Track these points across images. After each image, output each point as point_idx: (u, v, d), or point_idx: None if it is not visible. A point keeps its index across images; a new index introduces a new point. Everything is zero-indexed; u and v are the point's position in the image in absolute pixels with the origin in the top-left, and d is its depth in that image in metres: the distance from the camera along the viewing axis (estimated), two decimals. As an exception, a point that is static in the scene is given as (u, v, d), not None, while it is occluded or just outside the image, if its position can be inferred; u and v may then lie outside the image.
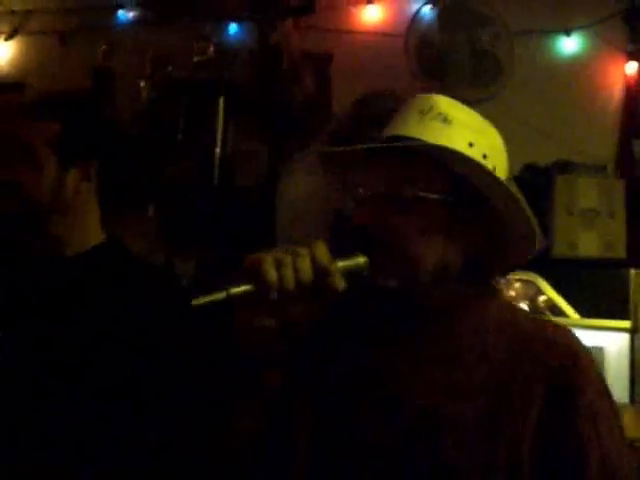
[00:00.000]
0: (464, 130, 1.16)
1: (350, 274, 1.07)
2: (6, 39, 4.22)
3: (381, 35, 3.66)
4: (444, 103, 1.19)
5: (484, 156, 1.16)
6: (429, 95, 1.22)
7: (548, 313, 3.24)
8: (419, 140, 1.14)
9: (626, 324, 3.19)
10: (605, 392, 1.17)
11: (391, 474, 1.11)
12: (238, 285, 1.01)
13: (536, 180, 3.37)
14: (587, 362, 1.17)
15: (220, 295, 0.99)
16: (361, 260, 1.10)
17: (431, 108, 1.18)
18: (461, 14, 3.39)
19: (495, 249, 1.20)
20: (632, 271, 3.20)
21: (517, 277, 3.20)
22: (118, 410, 1.54)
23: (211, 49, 3.66)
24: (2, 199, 1.60)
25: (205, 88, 3.57)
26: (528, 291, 3.25)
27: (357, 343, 1.21)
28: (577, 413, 1.11)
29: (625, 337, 3.23)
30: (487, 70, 3.34)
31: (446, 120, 1.16)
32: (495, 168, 1.17)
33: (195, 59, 3.66)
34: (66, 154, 1.63)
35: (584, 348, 1.19)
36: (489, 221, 1.17)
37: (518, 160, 3.45)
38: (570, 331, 1.21)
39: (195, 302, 0.99)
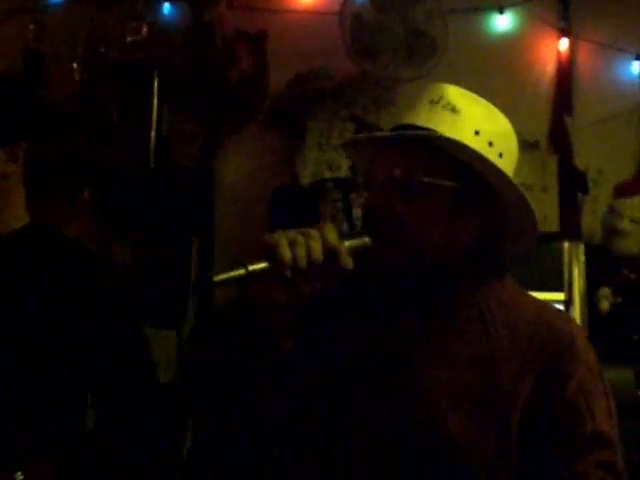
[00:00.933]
0: (471, 119, 1.24)
1: (356, 253, 1.16)
2: None
3: (316, 14, 3.65)
4: (453, 93, 1.27)
5: (490, 144, 1.24)
6: (440, 85, 1.30)
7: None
8: (428, 129, 1.22)
9: (560, 296, 3.25)
10: (598, 376, 1.25)
11: (393, 435, 1.19)
12: (256, 263, 1.09)
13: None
14: (583, 347, 1.25)
15: (240, 272, 1.07)
16: (366, 240, 1.19)
17: (441, 98, 1.26)
18: (394, -8, 3.39)
19: (501, 233, 1.27)
20: (565, 244, 3.26)
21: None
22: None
23: (145, 29, 3.59)
24: None
25: (139, 69, 3.51)
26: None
27: (363, 318, 1.30)
28: (570, 391, 1.20)
29: (560, 309, 3.30)
30: (421, 49, 3.35)
31: (454, 110, 1.24)
32: (502, 154, 1.25)
33: (129, 39, 3.60)
34: None
35: (582, 334, 1.29)
36: (494, 206, 1.24)
37: (453, 137, 3.49)
38: (570, 317, 1.33)
39: (216, 278, 1.06)
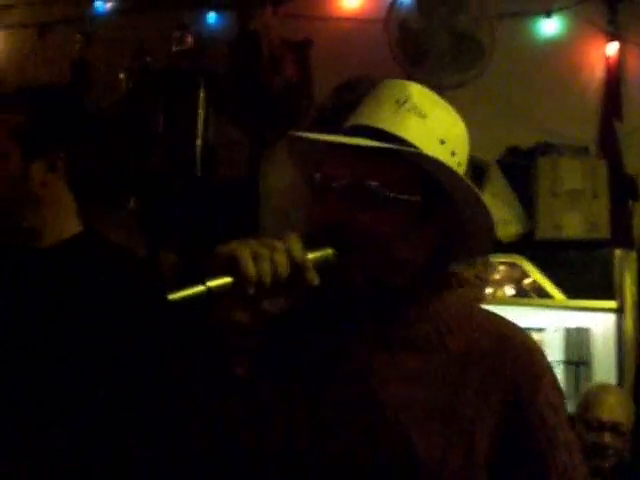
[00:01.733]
0: (438, 126, 1.16)
1: (319, 267, 1.06)
2: (-17, 33, 4.19)
3: (360, 21, 3.64)
4: (420, 94, 1.17)
5: (452, 153, 1.16)
6: (404, 83, 1.19)
7: (534, 295, 3.24)
8: (394, 135, 1.12)
9: (612, 304, 3.20)
10: (557, 385, 1.20)
11: (356, 453, 1.11)
12: (216, 278, 0.97)
13: (519, 163, 3.37)
14: (541, 357, 1.20)
15: (199, 289, 0.95)
16: (329, 252, 1.08)
17: (407, 99, 1.15)
18: (440, -2, 3.37)
19: (456, 243, 1.20)
20: (616, 251, 3.21)
21: (502, 260, 3.20)
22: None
23: (190, 38, 3.63)
24: None
25: (184, 78, 3.55)
26: (513, 274, 3.25)
27: (324, 334, 1.20)
28: (537, 405, 1.14)
29: (611, 317, 3.24)
30: (468, 54, 3.32)
31: (421, 114, 1.14)
32: (460, 163, 1.18)
33: (174, 49, 3.63)
34: (29, 146, 1.62)
35: (535, 343, 1.24)
36: (453, 218, 1.17)
37: (500, 143, 3.45)
38: (520, 327, 1.24)
39: (172, 296, 0.94)
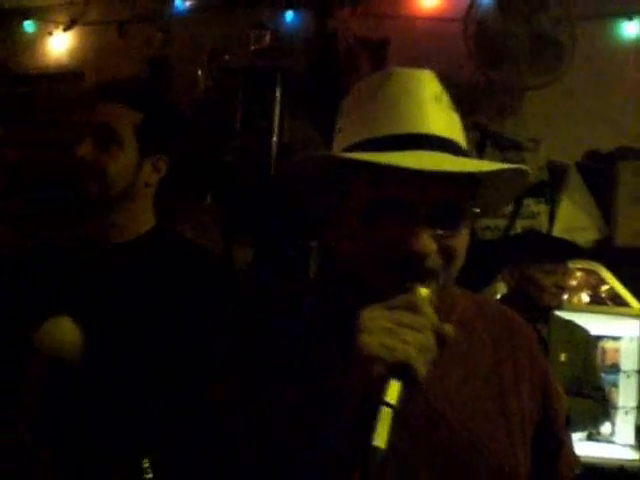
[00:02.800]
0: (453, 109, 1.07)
1: None
2: (65, 29, 4.29)
3: (439, 20, 3.62)
4: (438, 84, 1.06)
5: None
6: (427, 75, 1.07)
7: (610, 303, 3.18)
8: (450, 139, 1.02)
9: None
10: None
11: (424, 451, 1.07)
12: (388, 390, 0.89)
13: (598, 167, 3.31)
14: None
15: (388, 413, 0.88)
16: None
17: (441, 94, 1.05)
18: (521, -1, 3.33)
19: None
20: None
21: (579, 266, 3.15)
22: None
23: (268, 37, 3.66)
24: (84, 181, 1.63)
25: (262, 76, 3.58)
26: (590, 280, 3.20)
27: None
28: (553, 390, 1.18)
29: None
30: (548, 55, 3.28)
31: (451, 108, 1.05)
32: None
33: (252, 47, 3.67)
34: (146, 144, 1.66)
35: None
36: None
37: (580, 146, 3.40)
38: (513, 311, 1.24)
39: (377, 443, 0.86)
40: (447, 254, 1.00)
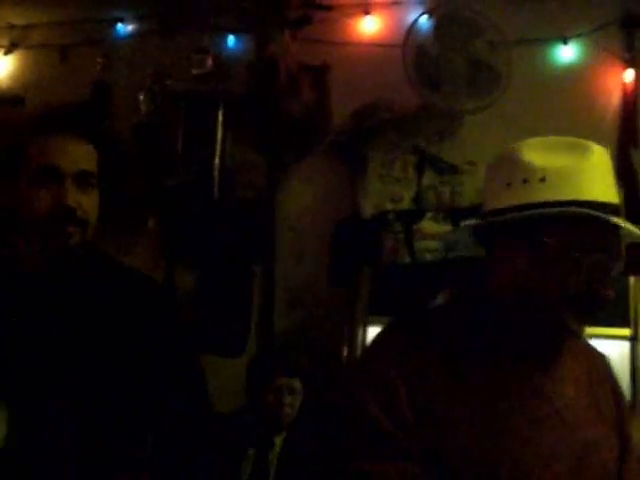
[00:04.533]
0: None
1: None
2: (5, 53, 4.24)
3: (378, 46, 3.67)
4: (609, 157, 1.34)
5: None
6: (602, 149, 1.33)
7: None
8: (617, 205, 1.29)
9: (626, 332, 3.19)
10: None
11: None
12: None
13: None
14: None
15: None
16: None
17: (608, 164, 1.32)
18: (457, 24, 3.39)
19: None
20: (631, 279, 3.20)
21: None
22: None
23: (209, 61, 3.67)
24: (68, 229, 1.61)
25: (204, 100, 3.59)
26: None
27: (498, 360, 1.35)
28: (624, 403, 1.48)
29: (625, 345, 3.22)
30: (484, 79, 3.34)
31: (612, 175, 1.32)
32: None
33: (194, 72, 3.68)
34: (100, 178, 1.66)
35: None
36: None
37: (516, 169, 3.45)
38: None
39: None
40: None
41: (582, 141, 1.32)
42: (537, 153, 1.30)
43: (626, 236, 1.32)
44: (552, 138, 1.34)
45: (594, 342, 3.15)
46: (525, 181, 1.28)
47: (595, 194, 1.26)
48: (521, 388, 1.31)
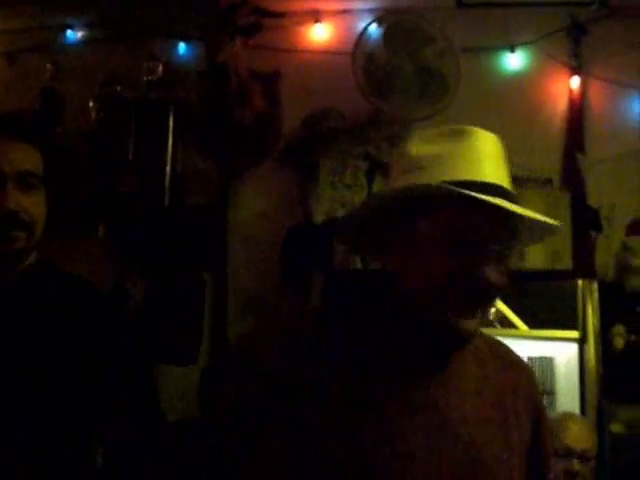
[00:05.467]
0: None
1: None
2: (-47, 60, 4.18)
3: (329, 53, 3.70)
4: (499, 145, 1.31)
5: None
6: (493, 137, 1.32)
7: (497, 325, 3.28)
8: (506, 189, 1.24)
9: (574, 334, 3.24)
10: None
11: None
12: None
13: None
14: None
15: None
16: None
17: (501, 152, 1.30)
18: (406, 32, 3.42)
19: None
20: (579, 281, 3.26)
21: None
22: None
23: (160, 69, 3.66)
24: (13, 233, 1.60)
25: (155, 107, 3.57)
26: (477, 304, 3.28)
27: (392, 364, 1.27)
28: (545, 420, 1.37)
29: (574, 347, 3.28)
30: (433, 87, 3.38)
31: (505, 164, 1.30)
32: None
33: (145, 79, 3.66)
34: (47, 183, 1.65)
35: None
36: None
37: (465, 175, 3.50)
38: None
39: None
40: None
41: (466, 127, 1.30)
42: (419, 144, 1.28)
43: (539, 228, 1.30)
44: (440, 127, 1.32)
45: (544, 344, 3.25)
46: (405, 172, 1.24)
47: (473, 175, 1.21)
48: (411, 395, 1.22)
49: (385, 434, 1.18)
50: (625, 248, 3.33)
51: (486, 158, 1.25)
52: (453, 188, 1.16)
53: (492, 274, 1.18)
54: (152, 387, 1.82)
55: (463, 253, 1.18)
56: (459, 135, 1.27)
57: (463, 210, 1.18)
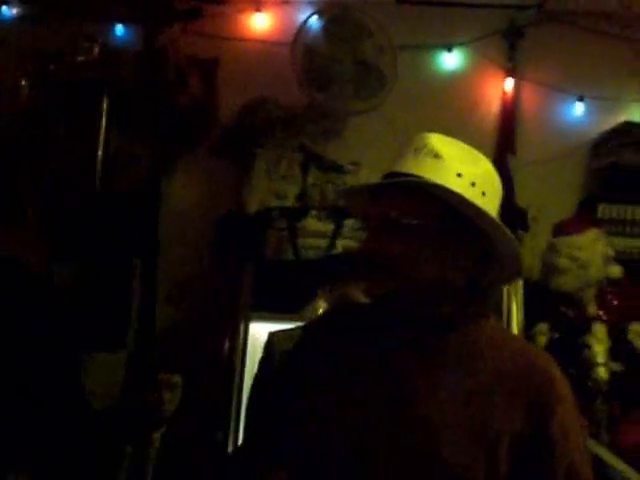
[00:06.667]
0: (453, 163, 1.31)
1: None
2: None
3: (268, 43, 3.69)
4: (436, 140, 1.33)
5: (472, 184, 1.31)
6: (424, 134, 1.36)
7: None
8: (414, 176, 1.30)
9: (499, 329, 3.30)
10: (576, 413, 1.35)
11: (389, 461, 1.27)
12: None
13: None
14: (562, 385, 1.34)
15: None
16: None
17: (424, 146, 1.33)
18: (347, 26, 3.44)
19: (488, 269, 1.36)
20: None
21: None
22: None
23: (96, 49, 3.59)
24: None
25: (89, 88, 3.50)
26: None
27: (365, 345, 1.38)
28: (550, 426, 1.28)
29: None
30: (370, 82, 3.41)
31: (437, 156, 1.31)
32: (484, 193, 1.32)
33: (79, 59, 3.58)
34: None
35: (560, 372, 1.37)
36: (480, 243, 1.32)
37: (398, 171, 3.53)
38: (548, 356, 1.39)
39: None
40: (388, 254, 1.33)
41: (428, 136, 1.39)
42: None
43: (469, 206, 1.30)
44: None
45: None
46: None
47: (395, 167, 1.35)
48: (387, 384, 1.31)
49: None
50: (551, 248, 3.41)
51: (403, 153, 1.36)
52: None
53: (366, 241, 1.34)
54: (77, 374, 1.80)
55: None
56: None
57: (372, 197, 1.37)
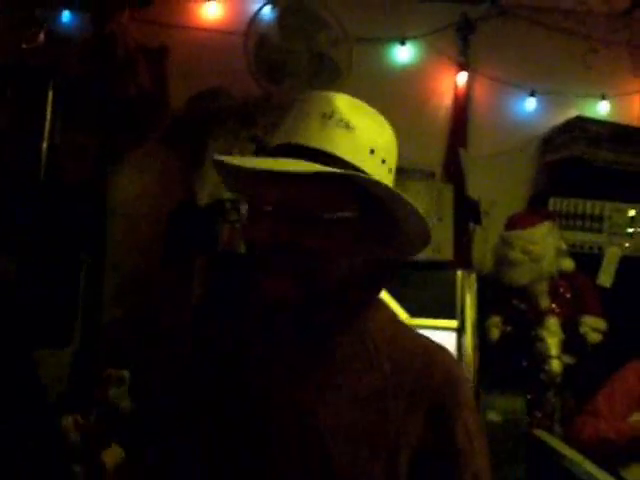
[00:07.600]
0: (366, 136, 1.15)
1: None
2: None
3: (220, 32, 3.62)
4: (346, 107, 1.16)
5: (383, 161, 1.17)
6: (330, 96, 1.18)
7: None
8: (325, 151, 1.11)
9: (453, 323, 3.30)
10: (475, 411, 1.24)
11: (277, 470, 1.16)
12: None
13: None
14: (463, 382, 1.23)
15: None
16: None
17: (333, 112, 1.14)
18: (301, 17, 3.39)
19: (392, 255, 1.24)
20: (458, 272, 3.32)
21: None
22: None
23: (42, 36, 3.47)
24: None
25: (33, 76, 3.38)
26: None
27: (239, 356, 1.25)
28: (455, 432, 1.18)
29: (452, 336, 3.34)
30: (325, 74, 3.36)
31: (348, 127, 1.14)
32: (391, 169, 1.20)
33: (24, 45, 3.46)
34: None
35: (461, 369, 1.29)
36: (390, 225, 1.19)
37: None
38: (448, 351, 1.26)
39: None
40: (294, 247, 1.14)
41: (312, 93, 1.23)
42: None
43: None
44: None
45: (424, 333, 3.30)
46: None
47: (284, 138, 1.17)
48: (277, 390, 1.20)
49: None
50: (503, 242, 3.42)
51: (307, 118, 1.16)
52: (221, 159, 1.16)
53: (259, 229, 1.13)
54: (33, 370, 1.73)
55: (251, 219, 1.18)
56: (300, 101, 1.20)
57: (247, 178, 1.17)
